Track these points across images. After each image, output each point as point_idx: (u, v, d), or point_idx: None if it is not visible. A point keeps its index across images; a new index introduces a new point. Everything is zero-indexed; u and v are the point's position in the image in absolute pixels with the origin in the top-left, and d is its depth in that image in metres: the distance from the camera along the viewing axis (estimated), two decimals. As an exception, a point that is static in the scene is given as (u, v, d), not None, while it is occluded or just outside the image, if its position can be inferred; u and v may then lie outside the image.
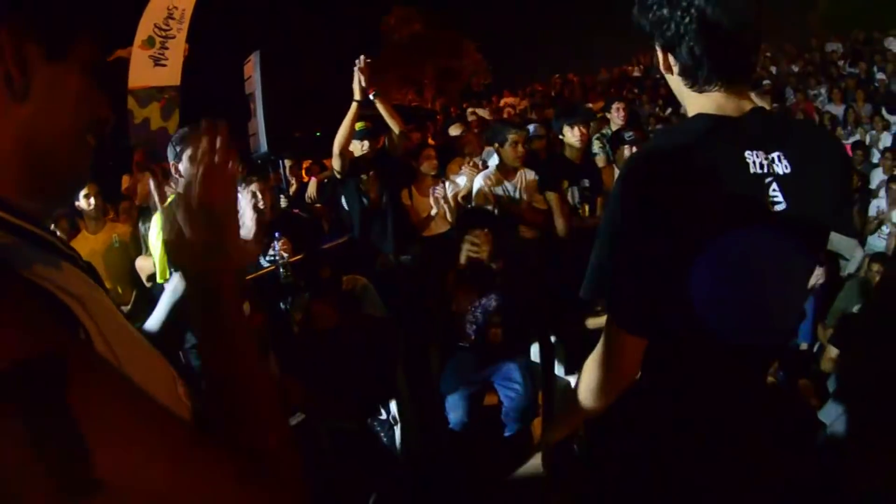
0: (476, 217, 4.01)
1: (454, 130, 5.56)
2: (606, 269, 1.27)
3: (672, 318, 1.25)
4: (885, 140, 9.27)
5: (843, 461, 3.06)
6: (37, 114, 0.74)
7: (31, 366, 0.55)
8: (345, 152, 4.54)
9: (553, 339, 3.89)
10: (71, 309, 0.66)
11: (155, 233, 2.95)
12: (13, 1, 0.72)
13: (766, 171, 1.24)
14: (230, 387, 0.81)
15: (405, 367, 3.39)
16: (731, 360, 1.32)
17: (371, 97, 4.51)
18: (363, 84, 4.44)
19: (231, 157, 0.92)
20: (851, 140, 9.11)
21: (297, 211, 5.38)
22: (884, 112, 10.16)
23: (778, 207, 1.24)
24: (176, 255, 0.90)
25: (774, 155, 1.26)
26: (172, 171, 2.91)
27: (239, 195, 1.04)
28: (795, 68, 14.32)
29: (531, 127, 5.95)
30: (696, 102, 1.32)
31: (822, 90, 11.93)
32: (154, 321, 1.18)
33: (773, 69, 14.94)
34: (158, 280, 3.01)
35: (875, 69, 12.77)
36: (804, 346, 4.72)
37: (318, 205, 5.42)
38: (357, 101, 4.45)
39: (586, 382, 1.38)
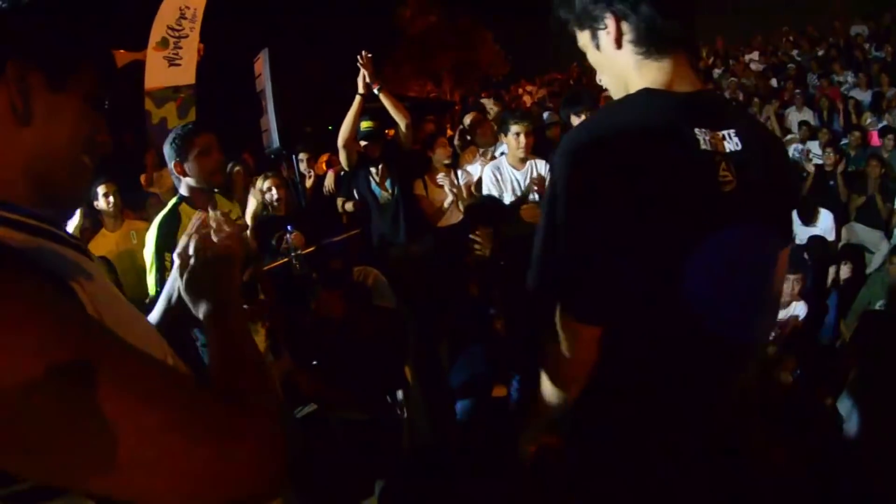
0: (478, 214, 4.01)
1: (467, 119, 5.55)
2: (553, 256, 1.21)
3: (627, 306, 1.18)
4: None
5: (858, 455, 3.03)
6: (37, 137, 0.82)
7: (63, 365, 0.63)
8: (349, 145, 4.57)
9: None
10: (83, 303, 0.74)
11: (150, 248, 2.87)
12: (19, 35, 0.80)
13: (714, 148, 1.19)
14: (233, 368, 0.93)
15: (415, 359, 3.43)
16: (688, 355, 1.25)
17: (376, 91, 4.53)
18: (367, 79, 4.48)
19: (228, 230, 1.14)
20: (880, 126, 8.75)
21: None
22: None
23: (728, 188, 1.18)
24: (193, 289, 1.09)
25: (724, 133, 1.22)
26: (171, 168, 2.91)
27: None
28: (819, 52, 13.92)
29: (545, 114, 5.93)
30: (645, 77, 1.25)
31: (848, 75, 11.58)
32: (151, 318, 1.27)
33: (796, 53, 14.62)
34: (151, 293, 2.99)
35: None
36: (826, 341, 4.50)
37: (338, 197, 5.45)
38: (361, 94, 4.49)
39: (548, 376, 1.34)
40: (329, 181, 5.65)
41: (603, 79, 1.37)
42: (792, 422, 3.22)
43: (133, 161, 6.30)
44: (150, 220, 4.81)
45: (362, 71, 4.48)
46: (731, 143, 1.22)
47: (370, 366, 3.19)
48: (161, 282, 2.79)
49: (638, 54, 1.25)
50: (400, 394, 3.07)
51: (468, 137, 5.85)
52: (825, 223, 5.95)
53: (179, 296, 1.15)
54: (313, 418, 2.81)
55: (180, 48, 6.05)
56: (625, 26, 1.23)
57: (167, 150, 2.89)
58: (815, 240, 5.48)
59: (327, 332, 3.21)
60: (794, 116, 10.22)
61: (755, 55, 15.11)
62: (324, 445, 2.80)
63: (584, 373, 1.26)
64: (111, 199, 4.49)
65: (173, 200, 2.97)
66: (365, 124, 4.63)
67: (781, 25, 16.58)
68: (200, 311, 1.05)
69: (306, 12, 16.71)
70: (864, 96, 10.39)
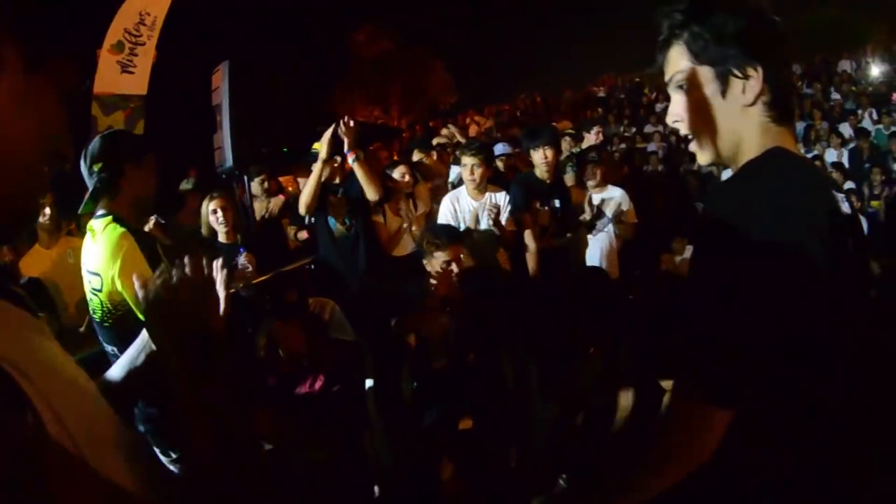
0: (443, 237, 3.87)
1: (396, 174, 5.22)
2: (722, 341, 1.03)
3: (773, 387, 1.04)
4: (843, 156, 10.06)
5: None
6: None
7: None
8: (311, 209, 4.37)
9: (529, 362, 3.80)
10: (22, 389, 0.59)
11: (92, 262, 2.55)
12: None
13: (850, 211, 1.13)
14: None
15: (376, 393, 3.26)
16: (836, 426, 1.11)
17: (351, 160, 4.29)
18: (347, 147, 4.20)
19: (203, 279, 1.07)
20: (811, 155, 9.67)
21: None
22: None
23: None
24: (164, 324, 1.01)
25: (841, 195, 1.14)
26: (100, 178, 2.51)
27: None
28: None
29: (499, 146, 5.93)
30: (769, 141, 1.13)
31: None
32: (114, 373, 1.15)
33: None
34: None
35: (832, 89, 13.63)
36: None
37: (289, 225, 5.25)
38: (325, 160, 4.23)
39: (652, 459, 1.16)
40: (275, 206, 5.43)
41: (691, 128, 1.21)
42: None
43: (74, 170, 5.93)
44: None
45: (327, 135, 4.17)
46: (846, 205, 1.14)
47: (330, 402, 3.01)
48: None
49: (767, 116, 1.14)
50: (365, 432, 2.88)
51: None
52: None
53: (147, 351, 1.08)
54: (272, 459, 2.60)
55: (136, 55, 5.76)
56: (766, 85, 1.12)
57: (113, 149, 2.52)
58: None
59: (283, 366, 3.02)
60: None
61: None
62: (284, 488, 2.60)
63: (705, 458, 1.08)
64: (48, 211, 4.07)
65: (108, 220, 2.54)
66: (317, 146, 4.45)
67: None
68: (161, 348, 1.00)
69: (266, 30, 16.52)
70: (798, 128, 11.06)
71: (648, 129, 13.58)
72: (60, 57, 0.73)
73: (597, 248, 4.95)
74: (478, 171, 4.41)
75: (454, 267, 3.58)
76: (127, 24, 5.72)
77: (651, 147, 11.62)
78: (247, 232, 4.76)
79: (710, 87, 1.15)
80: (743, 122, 1.15)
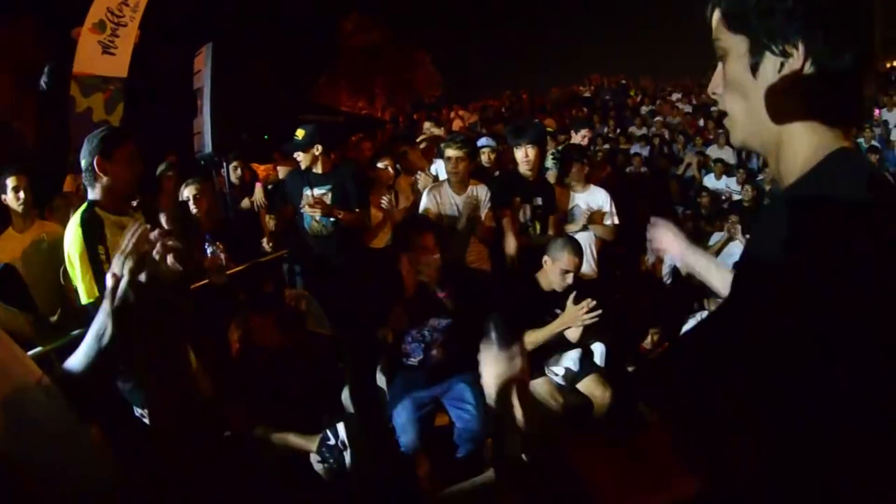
0: (418, 230, 3.83)
1: (380, 165, 5.22)
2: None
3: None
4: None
5: None
6: None
7: None
8: None
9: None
10: None
11: (75, 249, 2.68)
12: None
13: None
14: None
15: (352, 387, 3.22)
16: None
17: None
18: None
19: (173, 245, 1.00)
20: None
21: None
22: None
23: None
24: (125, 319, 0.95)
25: None
26: (92, 164, 2.75)
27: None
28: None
29: (483, 140, 5.90)
30: (815, 138, 0.94)
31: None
32: (78, 360, 1.05)
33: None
34: (84, 301, 2.72)
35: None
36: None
37: (267, 211, 5.15)
38: None
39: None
40: (258, 195, 5.35)
41: (725, 104, 1.05)
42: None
43: (52, 151, 5.76)
44: (60, 223, 4.37)
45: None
46: None
47: (304, 396, 2.98)
48: (99, 280, 2.60)
49: (811, 110, 0.95)
50: (341, 427, 2.84)
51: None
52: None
53: (112, 332, 0.96)
54: (244, 455, 2.55)
55: (117, 36, 5.60)
56: (810, 69, 0.91)
57: (91, 144, 2.73)
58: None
59: (258, 360, 2.97)
60: (714, 153, 10.81)
61: (678, 95, 15.86)
62: (257, 486, 2.55)
63: None
64: (21, 194, 3.92)
65: (84, 206, 2.81)
66: (300, 132, 4.38)
67: (708, 68, 17.63)
68: (136, 346, 0.92)
69: (251, 14, 16.28)
70: None
71: (633, 130, 13.64)
72: None
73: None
74: (461, 165, 4.39)
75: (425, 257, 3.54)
76: (110, 3, 5.57)
77: (635, 149, 11.68)
78: (223, 221, 4.69)
79: (741, 62, 0.97)
80: (779, 110, 0.95)
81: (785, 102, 0.94)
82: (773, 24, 0.91)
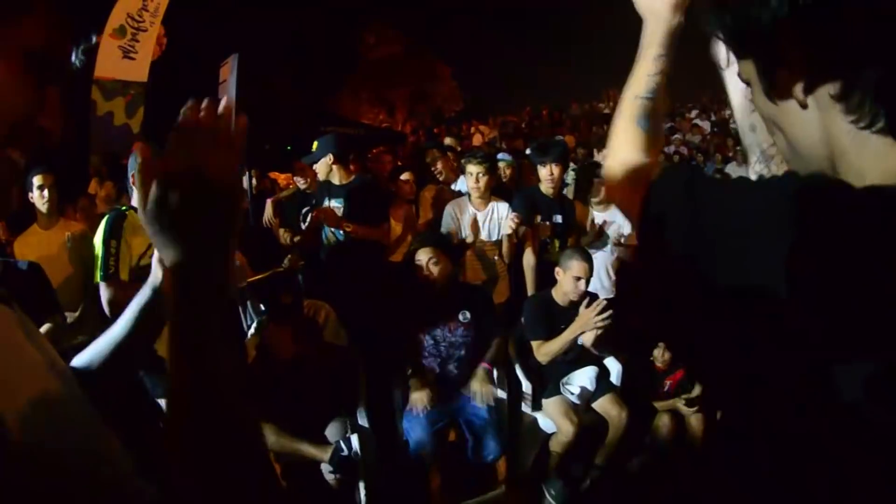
0: (425, 239, 3.85)
1: (403, 176, 5.25)
2: None
3: None
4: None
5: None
6: None
7: None
8: None
9: (519, 375, 3.77)
10: None
11: (98, 239, 3.02)
12: None
13: None
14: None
15: (367, 400, 3.21)
16: None
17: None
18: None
19: (234, 125, 0.76)
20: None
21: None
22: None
23: None
24: (164, 218, 0.69)
25: None
26: (131, 182, 2.88)
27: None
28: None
29: (500, 155, 5.90)
30: (873, 159, 0.74)
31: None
32: (119, 330, 0.98)
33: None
34: (96, 279, 3.04)
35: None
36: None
37: (280, 228, 5.15)
38: None
39: None
40: (268, 212, 5.32)
41: (778, 142, 0.88)
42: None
43: (71, 154, 5.84)
44: (85, 223, 4.44)
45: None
46: None
47: (320, 408, 2.97)
48: (105, 267, 2.97)
49: (854, 122, 0.74)
50: (355, 439, 2.84)
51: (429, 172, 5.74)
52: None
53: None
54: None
55: (137, 41, 5.67)
56: (833, 87, 0.74)
57: (131, 161, 2.92)
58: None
59: (275, 369, 2.97)
60: (733, 171, 10.66)
61: (693, 113, 15.83)
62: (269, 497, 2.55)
63: None
64: (47, 193, 3.99)
65: (122, 208, 3.13)
66: (315, 144, 4.41)
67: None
68: (168, 259, 0.69)
69: (275, 26, 16.46)
70: None
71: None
72: (27, 16, 0.62)
73: (596, 267, 4.92)
74: (483, 180, 4.40)
75: (431, 266, 3.55)
76: (130, 8, 5.65)
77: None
78: (244, 231, 4.71)
79: (759, 86, 0.82)
80: (818, 134, 0.78)
81: (822, 119, 0.77)
82: (761, 24, 0.75)
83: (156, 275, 0.96)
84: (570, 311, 3.63)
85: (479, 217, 4.46)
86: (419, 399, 3.30)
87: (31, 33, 0.62)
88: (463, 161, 4.74)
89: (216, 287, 0.69)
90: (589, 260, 3.68)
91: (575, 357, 3.74)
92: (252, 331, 3.50)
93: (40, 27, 0.63)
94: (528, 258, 4.35)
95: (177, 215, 0.68)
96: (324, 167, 4.44)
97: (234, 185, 0.73)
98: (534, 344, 3.64)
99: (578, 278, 3.63)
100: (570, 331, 3.51)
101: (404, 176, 5.11)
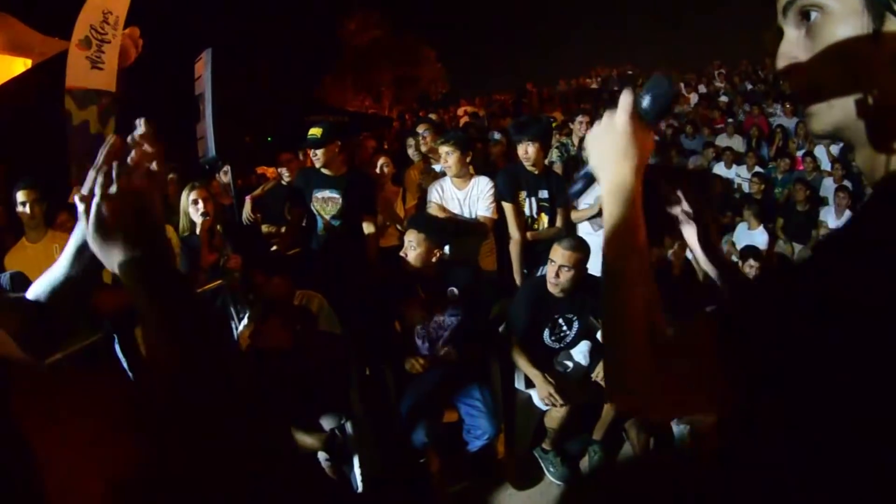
0: (414, 221, 3.82)
1: (379, 162, 5.29)
2: None
3: None
4: (833, 149, 9.10)
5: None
6: None
7: None
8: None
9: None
10: None
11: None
12: None
13: None
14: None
15: (360, 386, 3.22)
16: None
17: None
18: None
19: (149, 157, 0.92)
20: (801, 152, 9.40)
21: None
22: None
23: None
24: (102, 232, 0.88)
25: None
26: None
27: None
28: (749, 86, 14.69)
29: (494, 133, 5.88)
30: None
31: (777, 107, 12.14)
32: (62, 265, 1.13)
33: (727, 86, 15.36)
34: None
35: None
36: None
37: (262, 224, 5.13)
38: None
39: None
40: (247, 210, 5.28)
41: (810, 77, 0.78)
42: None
43: (53, 165, 5.79)
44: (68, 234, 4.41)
45: None
46: None
47: (313, 395, 2.97)
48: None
49: None
50: (349, 426, 2.84)
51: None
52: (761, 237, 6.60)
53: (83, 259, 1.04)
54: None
55: (103, 52, 5.62)
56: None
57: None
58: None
59: (267, 359, 2.97)
60: (724, 142, 10.68)
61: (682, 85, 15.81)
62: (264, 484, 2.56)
63: None
64: (28, 208, 4.03)
65: None
66: (317, 130, 4.37)
67: (714, 60, 17.69)
68: (114, 262, 0.87)
69: (252, 16, 16.29)
70: (790, 123, 10.90)
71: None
72: None
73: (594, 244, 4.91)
74: (451, 158, 4.38)
75: (409, 250, 3.53)
76: (92, 20, 5.59)
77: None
78: (231, 225, 4.68)
79: (849, 23, 0.72)
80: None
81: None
82: None
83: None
84: (564, 301, 3.61)
85: (460, 196, 4.45)
86: (412, 366, 3.32)
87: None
88: (435, 144, 4.73)
89: (156, 274, 0.86)
90: (575, 247, 3.51)
91: (569, 339, 3.77)
92: (245, 321, 3.48)
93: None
94: (513, 234, 4.34)
95: (110, 235, 0.87)
96: (327, 154, 4.40)
97: (152, 206, 0.91)
98: (512, 338, 3.64)
99: (559, 267, 3.51)
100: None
101: (381, 160, 5.12)
